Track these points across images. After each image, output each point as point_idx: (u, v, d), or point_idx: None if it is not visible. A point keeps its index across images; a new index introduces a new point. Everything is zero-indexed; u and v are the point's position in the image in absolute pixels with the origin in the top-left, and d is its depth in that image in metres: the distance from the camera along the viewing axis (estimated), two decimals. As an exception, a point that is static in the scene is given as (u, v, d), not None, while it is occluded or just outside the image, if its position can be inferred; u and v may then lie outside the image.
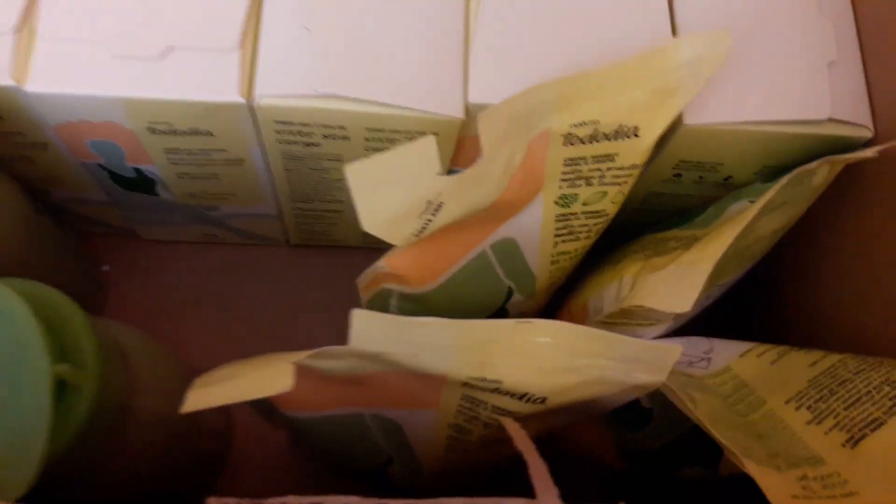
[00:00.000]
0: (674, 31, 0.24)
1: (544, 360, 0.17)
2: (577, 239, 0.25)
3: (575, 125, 0.21)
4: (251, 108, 0.23)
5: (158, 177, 0.27)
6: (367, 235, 0.33)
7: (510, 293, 0.26)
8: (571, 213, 0.24)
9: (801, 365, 0.23)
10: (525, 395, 0.18)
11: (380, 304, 0.26)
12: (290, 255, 0.35)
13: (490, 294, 0.26)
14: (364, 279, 0.24)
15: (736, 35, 0.24)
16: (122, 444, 0.21)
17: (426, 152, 0.18)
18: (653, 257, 0.22)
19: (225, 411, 0.31)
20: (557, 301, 0.30)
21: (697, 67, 0.21)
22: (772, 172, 0.26)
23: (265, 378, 0.16)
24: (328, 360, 0.18)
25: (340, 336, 0.33)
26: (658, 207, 0.29)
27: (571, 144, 0.21)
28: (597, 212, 0.24)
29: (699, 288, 0.18)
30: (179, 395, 0.25)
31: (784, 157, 0.25)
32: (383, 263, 0.22)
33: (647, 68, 0.20)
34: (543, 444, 0.24)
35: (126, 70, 0.22)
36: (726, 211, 0.25)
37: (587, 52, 0.24)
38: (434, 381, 0.18)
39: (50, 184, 0.29)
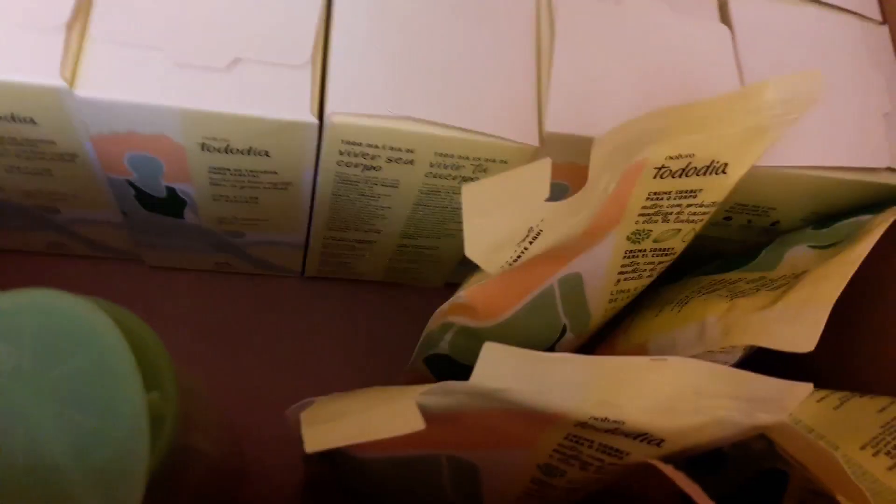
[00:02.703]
0: (739, 72, 0.25)
1: (672, 399, 0.16)
2: (640, 277, 0.24)
3: (671, 157, 0.20)
4: (320, 127, 0.22)
5: (192, 198, 0.25)
6: (389, 271, 0.32)
7: (564, 331, 0.25)
8: (640, 250, 0.23)
9: (869, 410, 0.23)
10: (644, 435, 0.17)
11: (434, 339, 0.24)
12: (304, 287, 0.33)
13: (546, 331, 0.25)
14: (437, 313, 0.23)
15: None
16: (177, 485, 0.19)
17: (540, 175, 0.18)
18: (736, 298, 0.22)
19: (241, 450, 0.29)
20: (594, 340, 0.29)
21: (789, 107, 0.21)
22: (819, 218, 0.27)
23: (390, 417, 0.14)
24: (439, 396, 0.16)
25: (354, 371, 0.31)
26: (695, 251, 0.29)
27: (661, 178, 0.21)
28: (665, 250, 0.24)
29: (821, 326, 0.17)
30: (216, 431, 0.23)
31: (835, 203, 0.26)
32: (463, 294, 0.21)
33: (743, 105, 0.20)
34: (603, 491, 0.23)
35: (189, 80, 0.21)
36: (786, 255, 0.25)
37: (659, 87, 0.24)
38: (544, 420, 0.17)
39: (61, 201, 0.26)
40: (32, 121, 0.22)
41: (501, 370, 0.15)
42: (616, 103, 0.23)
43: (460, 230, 0.28)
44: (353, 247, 0.29)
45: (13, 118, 0.22)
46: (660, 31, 0.24)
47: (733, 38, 0.25)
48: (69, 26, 0.21)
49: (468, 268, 0.32)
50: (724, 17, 0.26)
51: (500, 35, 0.23)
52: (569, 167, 0.24)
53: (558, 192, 0.25)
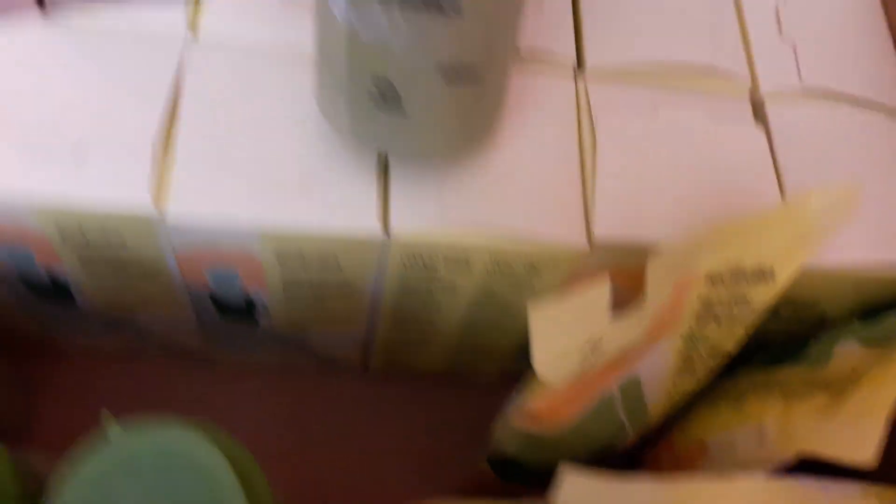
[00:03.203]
0: (777, 173, 0.26)
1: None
2: (695, 377, 0.25)
3: (721, 266, 0.21)
4: (385, 242, 0.23)
5: (265, 305, 0.27)
6: (448, 364, 0.33)
7: (623, 430, 0.26)
8: (696, 352, 0.24)
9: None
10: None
11: (499, 443, 0.25)
12: (366, 383, 0.34)
13: (607, 432, 0.26)
14: (501, 419, 0.24)
15: (836, 178, 0.26)
16: None
17: (600, 295, 0.19)
18: (791, 399, 0.22)
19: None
20: (651, 435, 0.30)
21: (830, 217, 0.22)
22: (866, 309, 0.27)
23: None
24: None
25: (415, 467, 0.32)
26: (745, 341, 0.30)
27: (713, 285, 0.22)
28: (719, 351, 0.24)
29: (879, 437, 0.18)
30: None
31: (881, 296, 0.26)
32: (528, 404, 0.22)
33: (787, 216, 0.21)
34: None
35: (268, 199, 0.23)
36: (836, 350, 0.25)
37: (699, 191, 0.25)
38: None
39: (140, 308, 0.28)
40: (123, 243, 0.24)
41: (580, 496, 0.16)
42: (659, 208, 0.24)
43: (514, 327, 0.29)
44: (413, 343, 0.31)
45: (105, 238, 0.24)
46: (696, 137, 0.26)
47: (770, 140, 0.26)
48: (155, 153, 0.23)
49: (525, 361, 0.33)
50: (761, 118, 0.27)
51: (545, 144, 0.25)
52: (616, 269, 0.25)
53: (610, 293, 0.27)
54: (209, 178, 0.23)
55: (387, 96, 0.19)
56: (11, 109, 0.23)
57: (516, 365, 0.33)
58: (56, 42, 0.24)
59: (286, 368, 0.34)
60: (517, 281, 0.25)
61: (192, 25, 0.25)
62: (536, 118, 0.25)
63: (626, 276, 0.26)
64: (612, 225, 0.24)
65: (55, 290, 0.27)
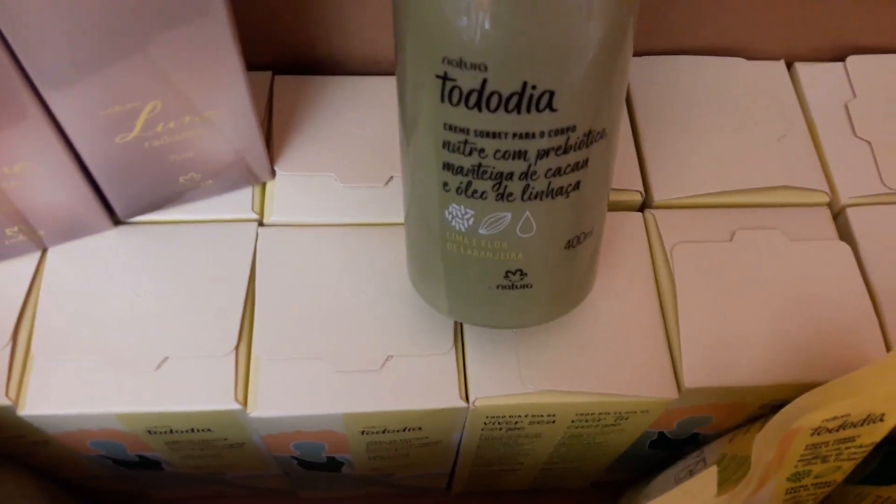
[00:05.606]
0: (870, 292, 0.24)
1: None
2: (803, 507, 0.24)
3: (827, 420, 0.20)
4: (466, 410, 0.23)
5: (349, 461, 0.27)
6: (534, 482, 0.33)
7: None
8: (801, 486, 0.23)
9: None
10: None
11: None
12: (450, 501, 0.34)
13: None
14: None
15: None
16: None
17: (706, 484, 0.18)
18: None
19: None
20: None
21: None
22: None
23: None
24: None
25: None
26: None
27: (818, 434, 0.21)
28: (827, 482, 0.23)
29: None
30: None
31: None
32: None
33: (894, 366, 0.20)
34: None
35: (347, 384, 0.22)
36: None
37: (787, 318, 0.24)
38: None
39: (228, 469, 0.28)
40: (209, 430, 0.24)
41: None
42: (747, 344, 0.23)
43: (602, 454, 0.28)
44: (497, 474, 0.30)
45: (192, 430, 0.24)
46: (778, 259, 0.24)
47: (857, 249, 0.25)
48: (236, 350, 0.23)
49: (614, 470, 0.32)
50: (845, 229, 0.25)
51: (620, 289, 0.24)
52: (710, 405, 0.24)
53: (703, 422, 0.26)
54: (289, 369, 0.23)
55: (516, 283, 0.19)
56: (94, 324, 0.23)
57: (605, 477, 0.33)
58: (129, 246, 0.24)
59: (370, 496, 0.34)
60: (605, 426, 0.25)
61: (260, 212, 0.25)
62: (607, 261, 0.25)
63: (720, 407, 0.25)
64: (700, 371, 0.23)
65: (145, 465, 0.27)
